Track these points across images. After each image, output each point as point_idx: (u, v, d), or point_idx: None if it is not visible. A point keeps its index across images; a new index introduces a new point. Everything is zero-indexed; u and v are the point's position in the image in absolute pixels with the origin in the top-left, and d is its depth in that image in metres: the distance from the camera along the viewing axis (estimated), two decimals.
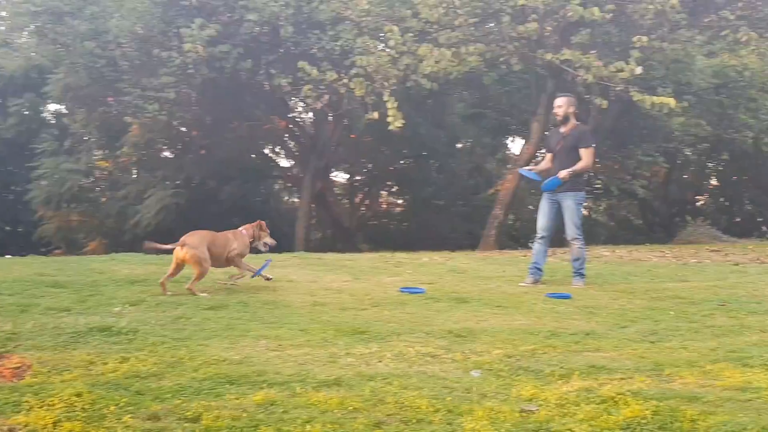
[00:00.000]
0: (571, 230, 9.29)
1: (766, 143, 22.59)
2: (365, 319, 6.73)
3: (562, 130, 9.45)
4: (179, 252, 7.98)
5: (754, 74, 20.29)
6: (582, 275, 9.37)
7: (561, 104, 9.48)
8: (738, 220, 34.02)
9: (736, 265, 11.94)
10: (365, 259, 12.03)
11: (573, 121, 9.44)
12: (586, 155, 9.22)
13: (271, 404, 4.28)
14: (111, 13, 18.34)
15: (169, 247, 8.18)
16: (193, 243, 8.06)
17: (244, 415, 4.10)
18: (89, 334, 5.77)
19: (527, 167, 9.64)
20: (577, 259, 9.37)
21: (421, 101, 24.22)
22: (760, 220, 34.56)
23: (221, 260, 8.34)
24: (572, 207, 9.25)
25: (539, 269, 9.43)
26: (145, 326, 6.11)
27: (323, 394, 4.46)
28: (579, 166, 9.19)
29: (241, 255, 8.44)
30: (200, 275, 7.95)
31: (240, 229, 8.70)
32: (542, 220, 9.49)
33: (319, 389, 4.57)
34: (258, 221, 8.81)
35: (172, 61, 17.43)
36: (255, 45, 18.00)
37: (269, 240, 8.76)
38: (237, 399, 4.36)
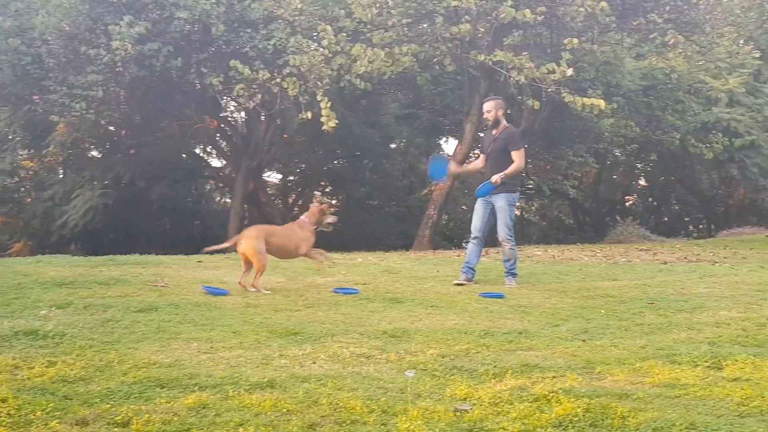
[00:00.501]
0: (502, 231, 9.32)
1: (693, 144, 23.09)
2: (299, 320, 6.68)
3: (494, 132, 9.49)
4: (238, 247, 8.18)
5: (681, 76, 20.75)
6: (514, 275, 9.42)
7: (490, 108, 9.50)
8: (666, 219, 34.90)
9: (665, 264, 12.18)
10: (298, 259, 11.94)
11: (503, 123, 9.47)
12: (516, 157, 9.25)
13: (203, 407, 4.21)
14: (36, 10, 17.86)
15: (228, 244, 8.48)
16: (249, 235, 8.23)
17: (176, 419, 4.02)
18: (14, 338, 5.61)
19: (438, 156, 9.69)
20: (508, 260, 9.42)
21: (355, 101, 24.24)
22: (687, 219, 35.48)
23: (287, 252, 8.59)
24: (505, 208, 9.29)
25: (472, 269, 9.48)
26: (72, 329, 5.96)
27: (256, 396, 4.40)
28: (510, 169, 9.21)
29: (310, 244, 8.61)
30: (260, 270, 8.11)
31: (302, 217, 9.02)
32: (476, 221, 9.52)
33: (252, 391, 4.51)
34: (319, 206, 9.15)
35: (99, 58, 17.08)
36: (186, 43, 17.75)
37: (331, 219, 9.13)
38: (168, 403, 4.28)
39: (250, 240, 8.14)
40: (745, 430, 3.97)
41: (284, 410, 4.19)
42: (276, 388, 4.59)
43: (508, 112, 9.48)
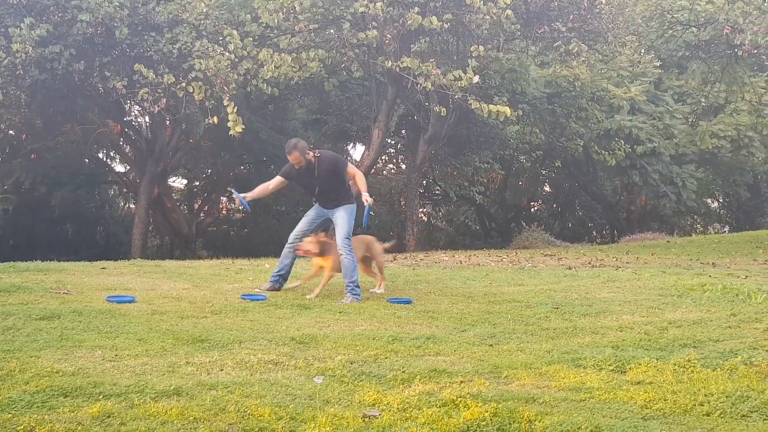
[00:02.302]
0: (341, 242, 8.76)
1: (596, 151, 23.75)
2: (206, 327, 6.57)
3: (314, 170, 8.81)
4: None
5: (585, 84, 21.30)
6: (355, 292, 8.57)
7: (295, 156, 8.72)
8: (570, 225, 35.74)
9: (569, 269, 12.43)
10: (205, 266, 11.78)
11: (312, 154, 8.80)
12: (353, 171, 8.95)
13: (108, 416, 4.10)
14: None
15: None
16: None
17: (80, 428, 3.92)
18: None
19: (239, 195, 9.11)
20: (348, 276, 8.64)
21: (262, 106, 24.12)
22: (591, 225, 36.40)
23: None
24: (346, 218, 8.84)
25: (282, 276, 9.09)
26: None
27: (162, 404, 4.31)
28: (363, 182, 8.90)
29: None
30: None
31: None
32: (303, 226, 9.11)
33: (158, 400, 4.41)
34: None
35: None
36: (88, 46, 17.36)
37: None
38: (72, 411, 4.16)
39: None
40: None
41: (191, 418, 4.11)
42: (183, 396, 4.50)
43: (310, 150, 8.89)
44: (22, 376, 4.77)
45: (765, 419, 4.30)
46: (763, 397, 4.60)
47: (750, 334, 6.64)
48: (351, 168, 9.01)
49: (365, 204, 8.87)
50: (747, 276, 11.16)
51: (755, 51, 17.57)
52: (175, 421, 4.06)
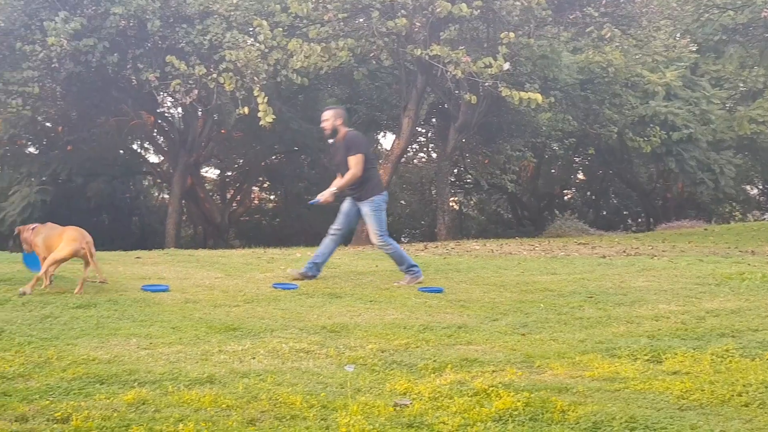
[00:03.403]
0: (373, 238, 8.92)
1: (631, 138, 23.46)
2: (238, 315, 6.61)
3: (335, 142, 8.98)
4: None
5: (618, 70, 21.02)
6: (412, 272, 8.89)
7: (327, 117, 8.88)
8: (604, 213, 35.41)
9: (603, 257, 12.30)
10: (237, 255, 11.85)
11: (343, 131, 8.87)
12: (352, 163, 8.69)
13: (143, 403, 4.15)
14: None
15: None
16: None
17: (115, 414, 3.95)
18: None
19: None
20: (398, 263, 8.94)
21: (292, 96, 24.16)
22: (626, 213, 36.06)
23: None
24: (370, 215, 8.85)
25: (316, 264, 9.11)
26: (11, 326, 5.86)
27: (196, 392, 4.35)
28: (344, 180, 8.75)
29: None
30: None
31: None
32: (341, 220, 9.11)
33: (191, 387, 4.45)
34: None
35: (35, 54, 16.81)
36: (121, 39, 17.54)
37: None
38: (107, 399, 4.21)
39: None
40: (684, 423, 3.98)
41: (224, 406, 4.14)
42: (215, 384, 4.54)
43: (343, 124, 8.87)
44: (59, 364, 4.85)
45: None
46: None
47: None
48: (352, 159, 8.71)
49: (318, 197, 8.87)
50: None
51: None
52: (208, 409, 4.09)
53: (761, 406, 4.28)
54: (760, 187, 37.23)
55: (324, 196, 8.90)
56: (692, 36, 21.35)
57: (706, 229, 21.44)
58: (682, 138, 24.61)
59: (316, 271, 9.03)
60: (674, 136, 24.33)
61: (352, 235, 15.86)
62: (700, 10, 18.99)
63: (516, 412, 4.09)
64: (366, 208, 8.85)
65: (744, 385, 4.59)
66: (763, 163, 31.42)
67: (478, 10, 15.61)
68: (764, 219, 34.03)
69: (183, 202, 24.00)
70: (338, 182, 8.88)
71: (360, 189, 8.82)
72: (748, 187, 35.52)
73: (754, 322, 6.54)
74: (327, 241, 9.13)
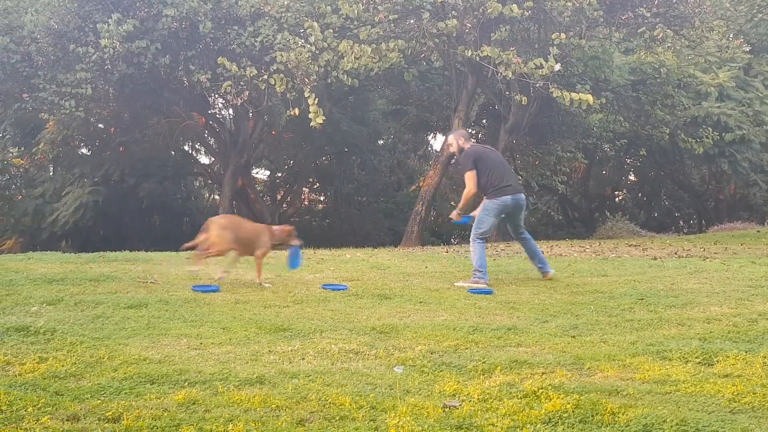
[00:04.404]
0: (472, 233, 9.41)
1: (683, 139, 23.15)
2: (287, 316, 6.65)
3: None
4: None
5: (670, 71, 20.77)
6: (481, 275, 9.11)
7: (450, 143, 9.64)
8: (656, 215, 34.98)
9: (655, 259, 12.18)
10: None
11: (465, 147, 9.49)
12: (465, 180, 9.30)
13: (193, 403, 4.19)
14: (25, 8, 17.89)
15: None
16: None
17: (166, 414, 3.99)
18: (6, 335, 5.57)
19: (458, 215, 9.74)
20: (473, 261, 9.31)
21: (342, 97, 24.25)
22: (678, 215, 35.57)
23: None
24: (479, 215, 9.39)
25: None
26: (63, 326, 5.93)
27: (245, 392, 4.38)
28: (462, 199, 9.46)
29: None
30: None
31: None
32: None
33: (241, 387, 4.48)
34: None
35: (88, 56, 17.07)
36: (173, 40, 17.72)
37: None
38: (158, 398, 4.26)
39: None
40: (736, 426, 3.93)
41: (273, 406, 4.17)
42: (265, 384, 4.56)
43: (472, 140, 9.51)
44: (110, 363, 4.90)
45: None
46: None
47: None
48: (466, 176, 9.28)
49: (451, 216, 9.61)
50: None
51: None
52: (257, 409, 4.11)
53: None
54: None
55: (453, 214, 9.64)
56: (745, 36, 21.02)
57: (758, 231, 21.08)
58: (734, 139, 24.22)
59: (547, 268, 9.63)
60: (727, 137, 23.94)
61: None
62: (753, 10, 18.69)
63: (566, 414, 4.07)
64: (479, 209, 9.38)
65: None
66: None
67: (529, 11, 15.53)
68: None
69: (234, 203, 24.18)
70: (460, 203, 9.56)
71: (481, 191, 9.28)
72: None
73: None
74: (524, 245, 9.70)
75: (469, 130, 27.68)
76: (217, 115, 24.85)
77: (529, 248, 9.62)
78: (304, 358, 5.21)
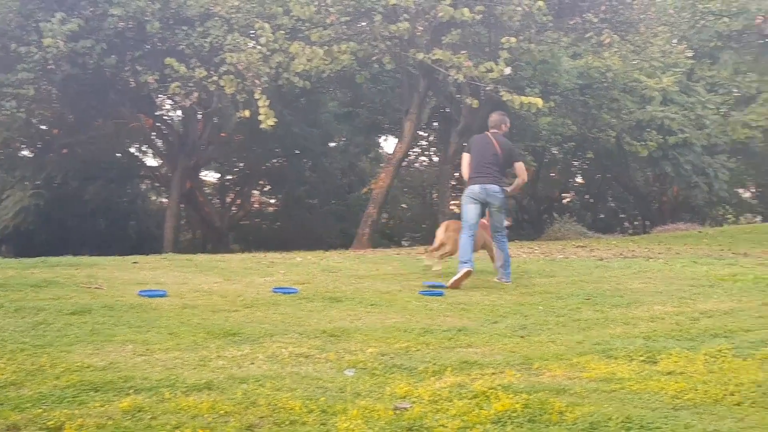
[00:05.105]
0: None
1: (628, 142, 23.52)
2: (237, 320, 6.59)
3: None
4: None
5: (617, 75, 21.08)
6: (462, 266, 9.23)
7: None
8: (602, 216, 35.45)
9: (601, 260, 12.34)
10: (237, 259, 11.83)
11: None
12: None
13: (139, 410, 4.11)
14: None
15: None
16: None
17: (110, 422, 3.92)
18: None
19: None
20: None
21: (294, 99, 24.16)
22: (623, 216, 36.12)
23: None
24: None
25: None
26: (3, 333, 5.78)
27: (193, 398, 4.32)
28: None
29: None
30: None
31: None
32: None
33: (189, 394, 4.42)
34: None
35: (31, 56, 16.74)
36: (120, 40, 17.49)
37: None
38: (102, 406, 4.17)
39: None
40: (679, 422, 4.02)
41: (222, 412, 4.12)
42: (213, 390, 4.50)
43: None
44: (52, 371, 4.78)
45: None
46: None
47: None
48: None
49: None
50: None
51: None
52: (205, 415, 4.06)
53: (753, 405, 4.34)
54: (753, 190, 37.54)
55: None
56: (688, 42, 21.38)
57: (700, 232, 21.52)
58: (677, 142, 24.70)
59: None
60: (670, 141, 24.39)
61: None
62: (696, 17, 19.08)
63: (515, 414, 4.11)
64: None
65: (736, 385, 4.66)
66: (756, 166, 31.86)
67: (480, 15, 15.62)
68: (756, 221, 34.23)
69: (182, 206, 23.97)
70: None
71: None
72: (740, 191, 35.88)
73: (747, 323, 6.65)
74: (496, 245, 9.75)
75: (421, 133, 27.84)
76: (165, 117, 24.59)
77: (501, 250, 9.61)
78: (253, 363, 5.17)
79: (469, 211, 9.33)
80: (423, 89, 18.83)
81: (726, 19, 18.64)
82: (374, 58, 17.74)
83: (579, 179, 36.24)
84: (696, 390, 4.57)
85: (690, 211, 31.69)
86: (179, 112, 23.87)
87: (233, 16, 16.85)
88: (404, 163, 26.00)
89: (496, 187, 9.29)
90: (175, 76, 16.72)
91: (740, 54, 20.70)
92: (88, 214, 24.42)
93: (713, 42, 20.50)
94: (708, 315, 7.06)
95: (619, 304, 7.73)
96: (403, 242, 29.44)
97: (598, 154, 28.57)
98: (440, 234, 9.97)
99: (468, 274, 8.95)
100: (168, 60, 16.50)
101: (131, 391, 4.44)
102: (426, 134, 30.32)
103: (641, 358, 5.38)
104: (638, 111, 23.82)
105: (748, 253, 13.85)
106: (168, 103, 23.65)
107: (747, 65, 21.86)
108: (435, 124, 27.55)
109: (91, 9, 16.95)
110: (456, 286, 8.82)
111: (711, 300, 7.96)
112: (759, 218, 36.09)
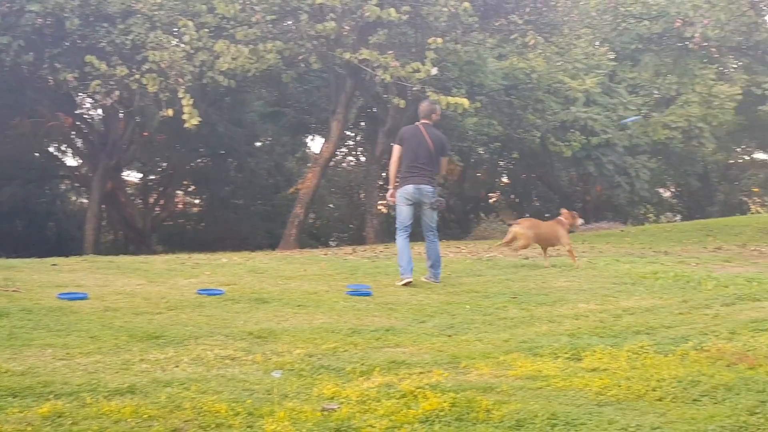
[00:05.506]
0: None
1: (553, 143, 23.85)
2: (161, 323, 6.47)
3: None
4: None
5: (541, 76, 21.38)
6: (401, 271, 9.27)
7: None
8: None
9: (526, 258, 12.46)
10: (160, 261, 11.63)
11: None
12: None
13: (59, 416, 4.00)
14: None
15: None
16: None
17: (29, 428, 3.82)
18: None
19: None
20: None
21: (219, 98, 23.90)
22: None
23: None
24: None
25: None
26: None
27: (116, 403, 4.22)
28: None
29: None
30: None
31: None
32: None
33: (111, 398, 4.32)
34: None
35: None
36: (38, 37, 17.01)
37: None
38: (21, 412, 4.05)
39: None
40: (602, 418, 4.09)
41: (145, 416, 4.04)
42: (137, 394, 4.42)
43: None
44: None
45: (715, 403, 4.38)
46: (713, 382, 4.70)
47: (700, 320, 6.80)
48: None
49: None
50: (697, 263, 11.37)
51: (705, 44, 17.87)
52: (128, 420, 3.98)
53: (674, 400, 4.45)
54: (673, 189, 38.53)
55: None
56: (610, 44, 21.86)
57: (622, 231, 21.99)
58: (600, 143, 25.18)
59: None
60: (593, 141, 24.85)
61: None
62: (618, 19, 19.50)
63: (442, 413, 4.13)
64: None
65: (658, 380, 4.76)
66: (675, 167, 32.65)
67: (407, 15, 15.68)
68: (676, 220, 35.19)
69: (103, 206, 23.49)
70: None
71: None
72: (661, 190, 36.83)
73: (667, 320, 6.81)
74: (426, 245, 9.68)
75: (348, 133, 27.82)
76: (85, 116, 24.06)
77: (431, 250, 9.56)
78: (178, 366, 5.08)
79: (404, 212, 9.36)
80: (350, 89, 18.81)
81: (647, 22, 19.10)
82: (300, 57, 17.64)
83: (505, 179, 36.64)
84: (619, 386, 4.65)
85: (612, 210, 32.34)
86: (100, 111, 23.36)
87: (156, 13, 16.54)
88: (331, 163, 25.90)
89: (429, 188, 9.32)
90: (96, 74, 16.34)
91: (660, 56, 21.23)
92: (5, 215, 23.79)
93: (634, 44, 20.99)
94: (630, 312, 7.20)
95: (545, 303, 7.84)
96: (331, 242, 29.38)
97: (524, 154, 28.93)
98: (515, 229, 10.84)
99: (408, 283, 9.00)
100: (88, 57, 16.12)
101: (51, 396, 4.33)
102: (353, 134, 30.32)
103: (566, 356, 5.45)
104: (562, 112, 24.20)
105: (668, 252, 14.18)
106: (88, 102, 23.16)
107: (667, 67, 22.45)
108: (362, 123, 27.58)
109: (8, 5, 16.47)
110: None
111: (633, 297, 8.11)
112: (679, 217, 37.09)
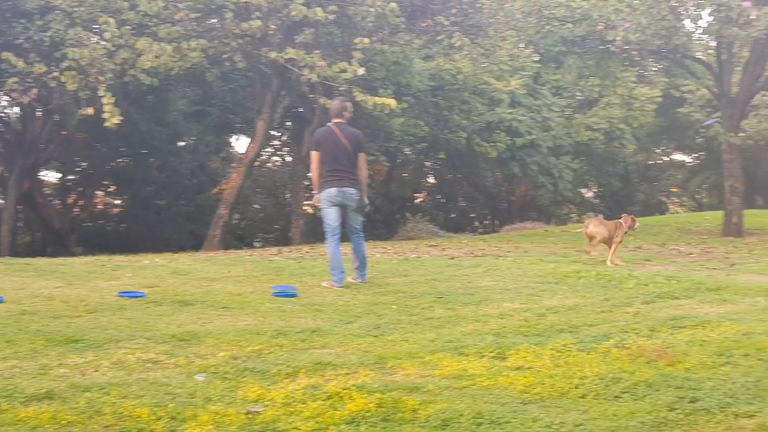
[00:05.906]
0: None
1: (478, 143, 24.09)
2: (80, 326, 6.31)
3: None
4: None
5: (467, 78, 21.59)
6: (333, 275, 9.21)
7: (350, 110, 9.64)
8: (453, 216, 36.21)
9: (452, 258, 12.58)
10: (79, 263, 11.38)
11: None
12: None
13: None
14: None
15: None
16: None
17: None
18: None
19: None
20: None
21: (141, 97, 23.49)
22: (473, 215, 37.02)
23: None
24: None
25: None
26: None
27: (33, 409, 4.12)
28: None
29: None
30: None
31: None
32: None
33: (28, 404, 4.21)
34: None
35: None
36: None
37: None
38: None
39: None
40: (527, 415, 4.14)
41: (64, 422, 3.95)
42: (55, 400, 4.31)
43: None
44: None
45: (636, 399, 4.47)
46: (633, 378, 4.81)
47: (622, 318, 6.95)
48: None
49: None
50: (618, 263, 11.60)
51: (626, 47, 18.26)
52: (46, 426, 3.88)
53: (596, 397, 4.52)
54: (595, 190, 39.33)
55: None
56: (535, 47, 22.16)
57: (546, 230, 22.30)
58: (525, 144, 25.57)
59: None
60: (518, 142, 25.21)
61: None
62: (542, 22, 19.78)
63: (368, 414, 4.12)
64: None
65: (581, 378, 4.83)
66: (597, 167, 33.36)
67: (333, 15, 15.66)
68: None
69: (19, 207, 22.90)
70: None
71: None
72: (583, 191, 37.52)
73: (590, 318, 6.94)
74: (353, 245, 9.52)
75: (274, 132, 27.64)
76: (2, 114, 23.42)
77: (358, 251, 9.50)
78: (97, 370, 4.96)
79: (330, 214, 9.26)
80: (276, 88, 18.70)
81: (570, 25, 19.44)
82: (225, 56, 17.45)
83: (431, 179, 36.90)
84: (543, 384, 4.71)
85: (537, 210, 32.86)
86: (17, 109, 22.77)
87: (75, 9, 16.16)
88: (256, 163, 25.75)
89: (353, 190, 9.24)
90: (13, 72, 15.91)
91: (583, 59, 21.62)
92: None
93: (558, 47, 21.33)
94: (554, 311, 7.32)
95: (470, 302, 7.89)
96: (255, 243, 29.14)
97: (450, 155, 29.17)
98: (590, 229, 11.94)
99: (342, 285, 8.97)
100: (5, 54, 15.68)
101: None
102: (279, 134, 30.17)
103: (491, 355, 5.50)
104: (487, 113, 24.48)
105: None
106: (5, 100, 22.52)
107: (589, 70, 22.89)
108: (288, 123, 27.45)
109: None
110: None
111: (557, 296, 8.23)
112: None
